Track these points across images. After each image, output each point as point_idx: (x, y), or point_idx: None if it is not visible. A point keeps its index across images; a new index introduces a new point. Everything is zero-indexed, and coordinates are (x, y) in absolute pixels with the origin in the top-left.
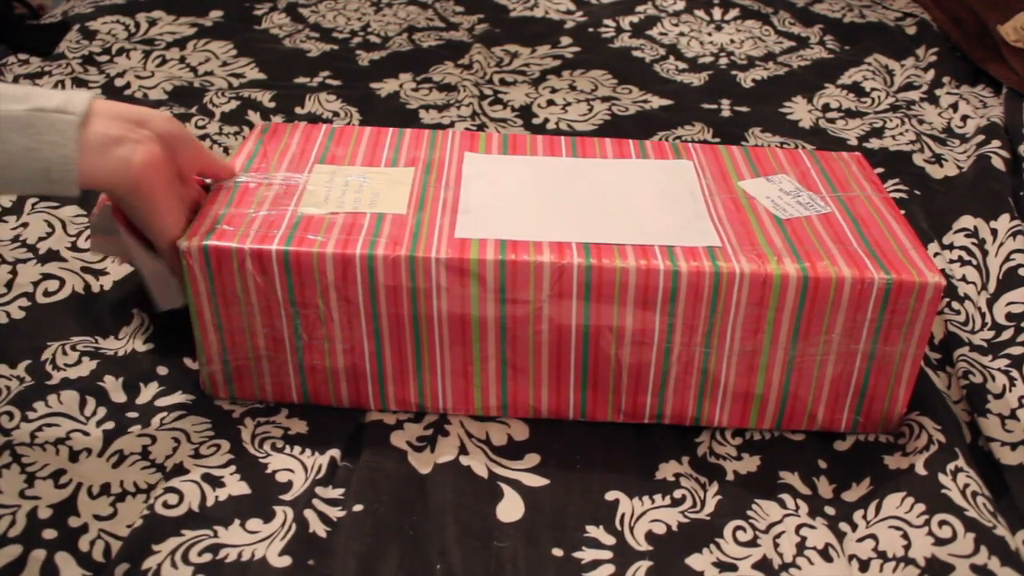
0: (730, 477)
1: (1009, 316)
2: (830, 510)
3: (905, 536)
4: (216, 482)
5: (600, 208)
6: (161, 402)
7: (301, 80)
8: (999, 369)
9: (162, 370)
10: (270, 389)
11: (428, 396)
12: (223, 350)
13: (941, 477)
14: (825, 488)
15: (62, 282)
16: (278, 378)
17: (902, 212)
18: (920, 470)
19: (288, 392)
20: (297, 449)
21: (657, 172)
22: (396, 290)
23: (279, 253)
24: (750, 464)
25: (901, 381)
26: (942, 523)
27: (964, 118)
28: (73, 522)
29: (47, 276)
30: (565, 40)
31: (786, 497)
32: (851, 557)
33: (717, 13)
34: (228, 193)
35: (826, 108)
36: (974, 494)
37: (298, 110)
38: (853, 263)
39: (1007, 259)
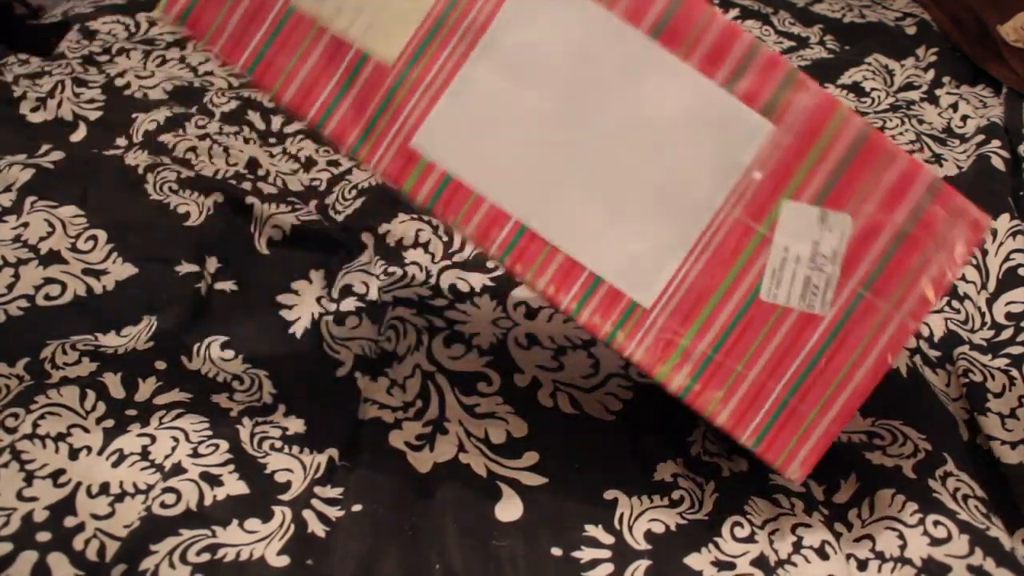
0: (726, 474)
1: (1009, 316)
2: (824, 509)
3: (901, 536)
4: (215, 481)
5: (593, 175)
6: (160, 399)
7: None
8: (999, 368)
9: (160, 364)
10: (231, 30)
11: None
12: None
13: (931, 482)
14: (815, 488)
15: (64, 286)
16: (248, 22)
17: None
18: (908, 473)
19: (244, 44)
20: (296, 448)
21: (712, 131)
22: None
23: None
24: (741, 464)
25: (838, 398)
26: (936, 523)
27: (964, 118)
28: (69, 522)
29: (49, 280)
30: None
31: (780, 497)
32: (848, 556)
33: None
34: None
35: None
36: (965, 497)
37: None
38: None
39: (1007, 259)
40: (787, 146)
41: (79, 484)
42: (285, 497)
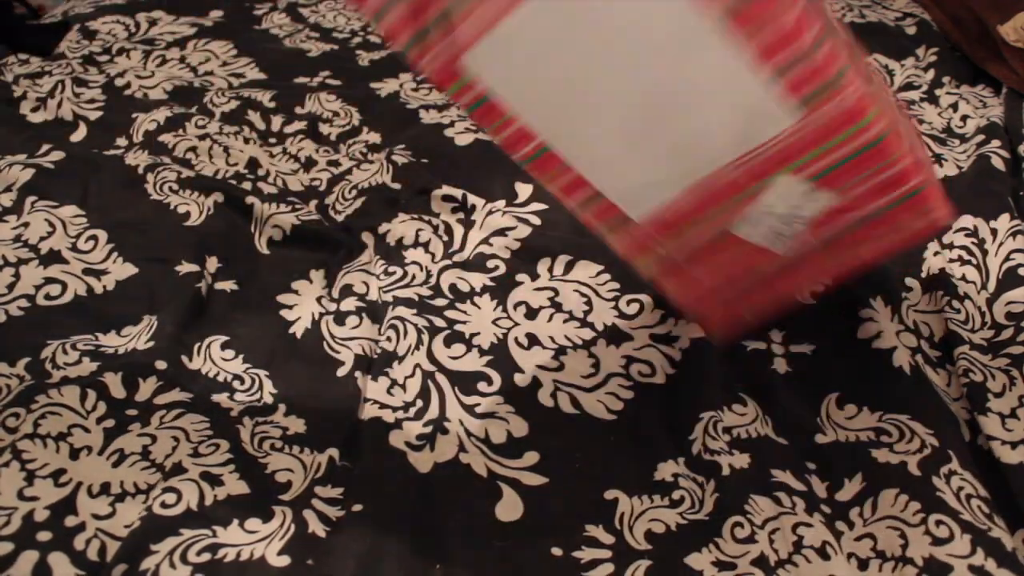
0: (726, 472)
1: (1009, 315)
2: (826, 508)
3: (903, 536)
4: (215, 481)
5: (620, 122)
6: (160, 399)
7: (301, 80)
8: (999, 368)
9: (160, 364)
10: None
11: None
12: None
13: (935, 480)
14: (819, 486)
15: (64, 286)
16: None
17: None
18: (913, 470)
19: None
20: (296, 448)
21: (739, 114)
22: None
23: None
24: (742, 460)
25: (764, 304)
26: (939, 523)
27: (964, 118)
28: (70, 521)
29: (49, 280)
30: None
31: (781, 495)
32: (850, 555)
33: None
34: None
35: None
36: (968, 496)
37: (298, 109)
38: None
39: (1007, 259)
40: (806, 134)
41: (80, 484)
42: (285, 497)
